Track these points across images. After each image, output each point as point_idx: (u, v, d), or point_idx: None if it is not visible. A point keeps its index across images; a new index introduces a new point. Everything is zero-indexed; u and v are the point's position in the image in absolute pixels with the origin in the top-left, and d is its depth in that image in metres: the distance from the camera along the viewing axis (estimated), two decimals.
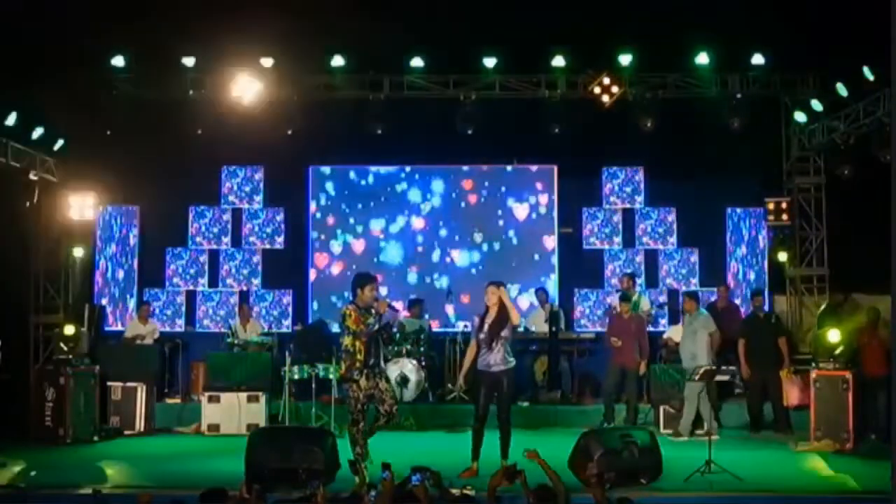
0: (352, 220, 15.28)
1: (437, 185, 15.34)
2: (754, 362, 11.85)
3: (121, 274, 15.06)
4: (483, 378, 8.97)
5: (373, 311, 8.77)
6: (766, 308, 13.35)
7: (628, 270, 14.39)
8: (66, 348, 11.48)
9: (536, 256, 15.17)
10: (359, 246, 15.26)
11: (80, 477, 8.68)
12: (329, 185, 15.35)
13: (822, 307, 13.81)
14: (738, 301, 14.30)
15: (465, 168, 15.33)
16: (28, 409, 11.20)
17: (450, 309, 14.70)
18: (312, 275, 15.15)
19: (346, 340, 8.72)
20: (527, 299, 14.89)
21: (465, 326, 13.93)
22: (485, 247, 15.24)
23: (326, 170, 15.36)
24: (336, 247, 15.26)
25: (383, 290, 14.96)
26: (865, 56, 11.53)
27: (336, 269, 15.12)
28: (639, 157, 14.95)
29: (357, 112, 14.44)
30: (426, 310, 14.32)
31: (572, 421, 12.07)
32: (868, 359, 11.12)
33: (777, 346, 11.96)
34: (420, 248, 15.27)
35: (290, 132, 14.20)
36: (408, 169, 15.34)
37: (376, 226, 15.27)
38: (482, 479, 7.61)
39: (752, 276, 15.03)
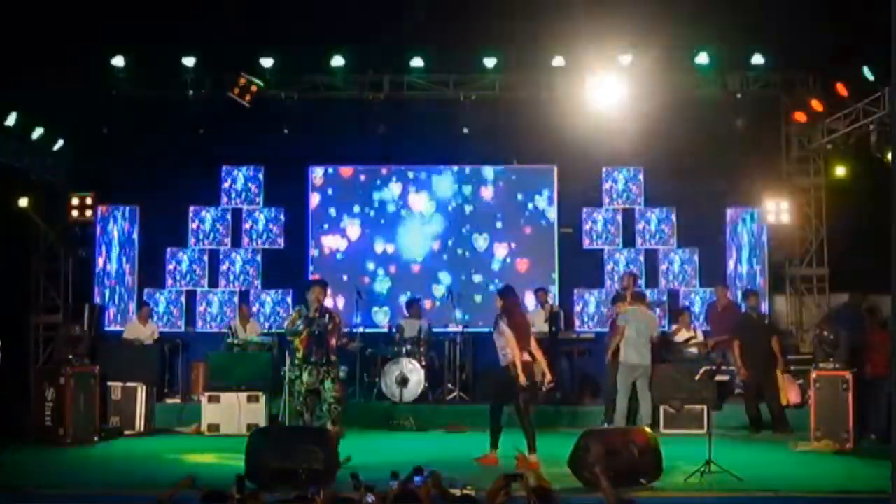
0: (351, 221, 15.26)
1: (437, 186, 15.34)
2: (749, 362, 11.85)
3: (121, 274, 15.06)
4: None
5: (309, 313, 9.86)
6: (763, 308, 13.34)
7: (630, 269, 14.38)
8: (70, 349, 11.45)
9: (538, 257, 15.17)
10: (358, 246, 15.25)
11: (80, 477, 8.68)
12: (329, 185, 15.34)
13: (837, 306, 13.71)
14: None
15: (465, 168, 15.33)
16: (28, 409, 11.18)
17: (450, 309, 14.69)
18: (312, 274, 15.13)
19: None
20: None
21: (465, 328, 13.98)
22: (485, 247, 15.23)
23: (326, 170, 15.35)
24: (335, 247, 15.25)
25: (384, 290, 15.08)
26: (865, 56, 11.54)
27: (335, 270, 15.09)
28: (639, 157, 14.94)
29: (357, 112, 14.46)
30: (424, 310, 14.31)
31: (572, 421, 12.06)
32: (870, 359, 11.11)
33: (771, 346, 11.98)
34: (420, 249, 15.26)
35: (289, 132, 14.24)
36: (407, 169, 15.33)
37: (376, 226, 15.26)
38: (486, 475, 7.59)
39: (751, 276, 15.03)
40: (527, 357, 9.30)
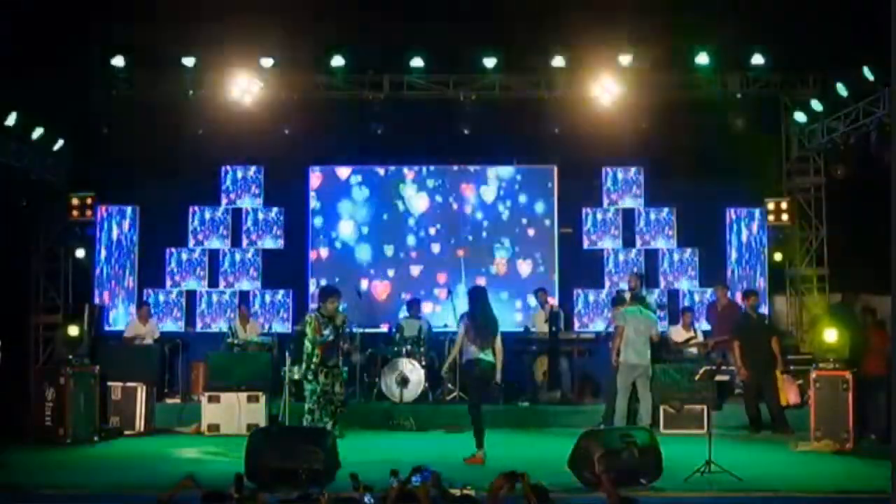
0: (351, 221, 15.27)
1: (437, 186, 15.32)
2: (749, 362, 11.85)
3: (121, 274, 15.05)
4: None
5: (333, 321, 10.21)
6: (763, 308, 13.33)
7: (635, 270, 14.38)
8: (70, 349, 11.45)
9: (539, 257, 15.17)
10: (358, 246, 15.25)
11: (80, 477, 8.68)
12: (328, 185, 15.34)
13: (833, 305, 13.71)
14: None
15: (466, 168, 15.31)
16: (28, 409, 11.17)
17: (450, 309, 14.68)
18: (312, 276, 15.12)
19: (307, 345, 10.24)
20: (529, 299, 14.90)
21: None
22: (485, 247, 15.21)
23: (326, 170, 15.35)
24: (336, 247, 15.25)
25: (385, 290, 15.09)
26: (865, 56, 11.54)
27: (336, 270, 15.08)
28: (639, 157, 14.94)
29: (357, 112, 14.45)
30: (424, 311, 14.31)
31: (572, 421, 12.06)
32: (870, 358, 11.10)
33: (771, 346, 11.99)
34: (420, 249, 15.24)
35: (289, 132, 14.25)
36: (407, 169, 15.33)
37: (376, 226, 15.26)
38: (485, 475, 7.59)
39: (751, 276, 15.02)
40: (490, 357, 9.49)
